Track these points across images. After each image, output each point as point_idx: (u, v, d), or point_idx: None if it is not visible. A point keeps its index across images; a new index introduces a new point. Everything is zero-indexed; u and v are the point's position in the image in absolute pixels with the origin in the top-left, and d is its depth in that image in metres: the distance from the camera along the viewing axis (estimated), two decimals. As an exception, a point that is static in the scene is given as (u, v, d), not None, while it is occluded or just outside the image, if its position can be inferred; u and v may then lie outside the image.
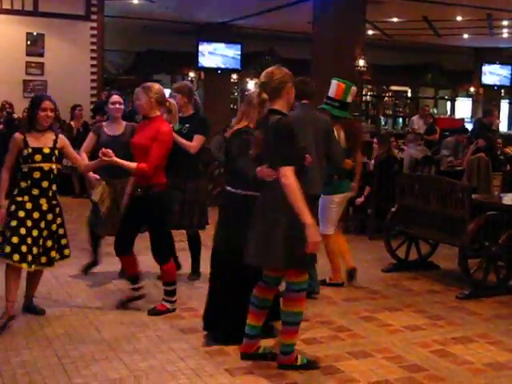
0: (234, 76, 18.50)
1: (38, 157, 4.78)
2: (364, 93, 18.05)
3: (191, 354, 4.40)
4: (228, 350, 4.48)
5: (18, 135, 4.84)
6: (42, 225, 4.81)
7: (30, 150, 4.77)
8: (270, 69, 4.23)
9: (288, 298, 4.14)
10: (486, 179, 9.32)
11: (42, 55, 12.41)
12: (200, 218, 6.15)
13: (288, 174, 3.87)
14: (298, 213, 3.83)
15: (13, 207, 4.78)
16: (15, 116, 11.48)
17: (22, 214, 4.74)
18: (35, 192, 4.79)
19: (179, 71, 19.03)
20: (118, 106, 6.01)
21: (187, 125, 5.94)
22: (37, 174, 4.78)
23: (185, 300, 5.61)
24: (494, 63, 20.31)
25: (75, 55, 12.54)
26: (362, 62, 12.14)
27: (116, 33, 15.61)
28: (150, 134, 5.03)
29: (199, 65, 17.31)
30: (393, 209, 6.93)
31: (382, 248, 7.04)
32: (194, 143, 5.93)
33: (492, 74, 20.39)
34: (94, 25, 12.71)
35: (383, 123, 20.52)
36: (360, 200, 8.32)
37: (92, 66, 12.74)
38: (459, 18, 15.54)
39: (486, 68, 20.21)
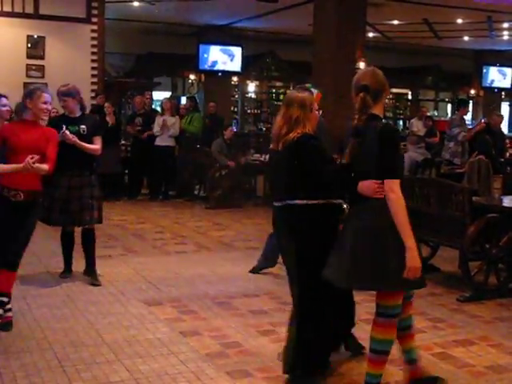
0: (235, 78, 18.50)
1: None
2: (364, 95, 18.03)
3: (192, 357, 4.40)
4: (229, 353, 4.48)
5: None
6: None
7: None
8: (369, 69, 3.87)
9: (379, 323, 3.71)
10: (486, 181, 9.33)
11: (42, 58, 12.41)
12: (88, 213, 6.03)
13: (395, 189, 3.55)
14: (402, 233, 3.51)
15: None
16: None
17: None
18: None
19: (180, 74, 19.04)
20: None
21: (83, 126, 5.99)
22: None
23: (185, 303, 5.61)
24: (495, 65, 20.33)
25: (76, 58, 12.54)
26: (362, 65, 12.12)
27: (117, 35, 15.62)
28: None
29: (200, 67, 17.33)
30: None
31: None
32: (99, 146, 6.03)
33: (492, 77, 20.42)
34: (95, 27, 12.70)
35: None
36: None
37: (92, 68, 12.73)
38: (459, 21, 15.56)
39: (486, 70, 20.23)
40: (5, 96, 5.40)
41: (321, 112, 4.76)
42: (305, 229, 3.95)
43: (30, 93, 5.07)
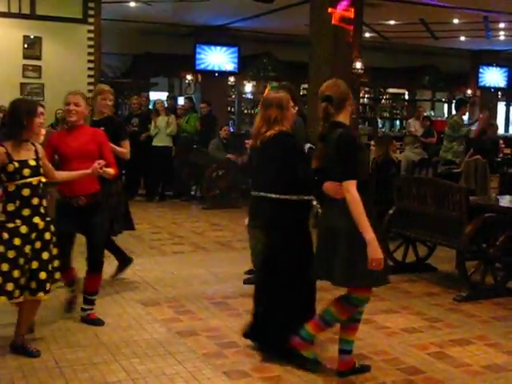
0: (232, 79, 18.48)
1: (26, 171, 4.24)
2: (361, 95, 18.03)
3: (189, 358, 4.40)
4: (226, 353, 4.48)
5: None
6: (38, 245, 4.29)
7: (17, 165, 4.22)
8: (332, 81, 4.16)
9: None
10: (483, 181, 9.34)
11: (39, 58, 12.39)
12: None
13: (351, 189, 3.83)
14: (360, 228, 3.78)
15: (5, 235, 4.19)
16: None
17: (17, 241, 4.19)
18: (27, 212, 4.25)
19: (176, 74, 19.00)
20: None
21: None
22: (26, 192, 4.25)
23: (183, 303, 5.61)
24: (491, 65, 20.35)
25: (72, 58, 12.51)
26: (359, 65, 12.15)
27: (113, 36, 15.60)
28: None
29: (196, 67, 17.31)
30: (390, 211, 6.94)
31: (379, 250, 7.03)
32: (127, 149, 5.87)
33: (489, 77, 20.43)
34: (92, 28, 12.67)
35: (380, 126, 20.52)
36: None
37: (89, 69, 12.69)
38: (456, 21, 15.56)
39: (482, 70, 20.25)
40: (41, 105, 5.34)
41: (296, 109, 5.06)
42: (276, 220, 4.34)
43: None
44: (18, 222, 4.21)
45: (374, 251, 3.77)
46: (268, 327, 4.39)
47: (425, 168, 9.67)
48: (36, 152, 4.36)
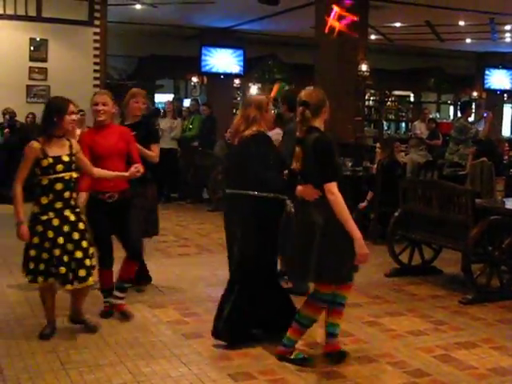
0: (237, 81, 18.50)
1: (59, 167, 4.49)
2: (366, 97, 18.02)
3: (194, 360, 4.40)
4: (231, 356, 4.48)
5: (35, 143, 4.50)
6: (76, 236, 4.55)
7: (51, 160, 4.47)
8: (311, 89, 4.39)
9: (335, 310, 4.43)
10: (488, 184, 9.31)
11: (45, 60, 12.44)
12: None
13: (334, 190, 4.04)
14: (347, 227, 4.02)
15: (39, 228, 4.47)
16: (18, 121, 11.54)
17: (51, 234, 4.46)
18: (59, 205, 4.51)
19: (182, 76, 19.05)
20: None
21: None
22: (59, 186, 4.49)
23: (189, 305, 5.62)
24: (497, 68, 20.32)
25: (78, 60, 12.57)
26: (364, 67, 12.14)
27: (119, 38, 15.65)
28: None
29: (202, 70, 17.34)
30: (396, 214, 6.93)
31: (385, 253, 7.04)
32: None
33: (495, 79, 20.40)
34: (97, 30, 12.73)
35: (386, 128, 20.51)
36: (363, 205, 8.35)
37: (95, 71, 12.75)
38: (462, 23, 15.55)
39: (488, 72, 20.22)
40: (74, 103, 5.33)
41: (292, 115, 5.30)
42: (251, 216, 4.51)
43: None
44: (51, 214, 4.48)
45: (361, 247, 4.03)
46: (236, 324, 4.60)
47: (430, 170, 9.66)
48: (70, 148, 4.60)
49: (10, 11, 12.12)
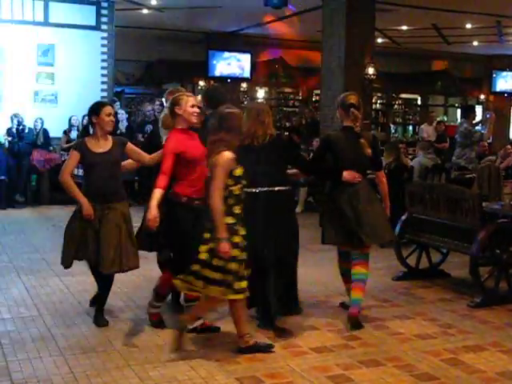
0: (244, 85, 18.52)
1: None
2: (374, 101, 18.01)
3: (202, 363, 4.40)
4: (239, 359, 4.48)
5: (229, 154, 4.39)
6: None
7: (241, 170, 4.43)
8: (353, 93, 5.58)
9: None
10: (496, 187, 9.28)
11: (52, 65, 12.49)
12: None
13: (383, 174, 5.59)
14: (386, 200, 5.53)
15: (237, 239, 4.41)
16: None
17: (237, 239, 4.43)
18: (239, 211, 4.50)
19: (190, 80, 19.07)
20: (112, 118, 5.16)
21: None
22: (242, 194, 4.49)
23: (195, 309, 5.61)
24: (505, 70, 20.26)
25: (86, 65, 12.61)
26: (371, 70, 12.12)
27: (126, 42, 15.69)
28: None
29: (209, 74, 17.37)
30: (403, 217, 6.92)
31: (392, 256, 7.02)
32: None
33: (502, 81, 20.34)
34: (105, 35, 12.78)
35: (393, 131, 20.48)
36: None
37: (103, 75, 12.80)
38: (469, 26, 15.53)
39: (495, 75, 20.17)
40: (111, 104, 5.28)
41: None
42: (290, 209, 5.43)
43: (177, 100, 4.91)
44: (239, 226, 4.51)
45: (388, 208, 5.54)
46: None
47: (438, 174, 9.63)
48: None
49: (18, 16, 12.18)
